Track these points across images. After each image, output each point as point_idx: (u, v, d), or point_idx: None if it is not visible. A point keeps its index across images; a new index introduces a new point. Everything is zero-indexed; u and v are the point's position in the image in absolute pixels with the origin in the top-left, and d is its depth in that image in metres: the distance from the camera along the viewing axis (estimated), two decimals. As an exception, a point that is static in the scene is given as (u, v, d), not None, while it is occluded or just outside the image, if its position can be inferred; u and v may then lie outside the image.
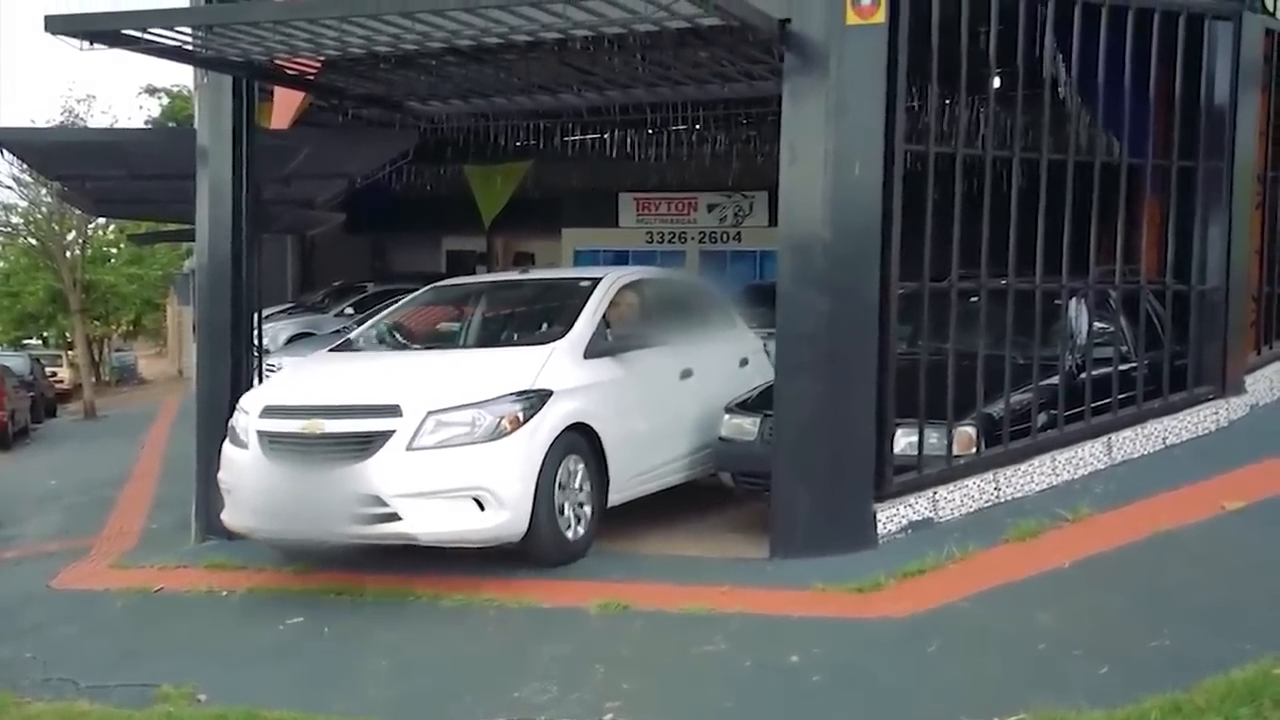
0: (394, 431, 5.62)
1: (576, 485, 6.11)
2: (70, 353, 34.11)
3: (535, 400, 5.88)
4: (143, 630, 5.90)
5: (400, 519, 5.57)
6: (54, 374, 30.15)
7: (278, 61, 7.50)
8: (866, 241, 5.94)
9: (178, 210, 10.61)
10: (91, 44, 6.38)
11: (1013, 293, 6.45)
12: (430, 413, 5.67)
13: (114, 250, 34.25)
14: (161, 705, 4.72)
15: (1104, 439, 6.64)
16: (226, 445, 6.24)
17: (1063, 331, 6.80)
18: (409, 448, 5.61)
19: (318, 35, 6.52)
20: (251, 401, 6.25)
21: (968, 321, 6.38)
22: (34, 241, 26.33)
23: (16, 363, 24.21)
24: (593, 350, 6.41)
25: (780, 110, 6.13)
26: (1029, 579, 5.25)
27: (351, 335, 7.49)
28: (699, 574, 5.85)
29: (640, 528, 6.64)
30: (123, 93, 56.29)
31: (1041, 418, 6.49)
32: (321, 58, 7.47)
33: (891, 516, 6.01)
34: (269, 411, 6.04)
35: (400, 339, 7.30)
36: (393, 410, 5.71)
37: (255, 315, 8.14)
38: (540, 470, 5.78)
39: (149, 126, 26.81)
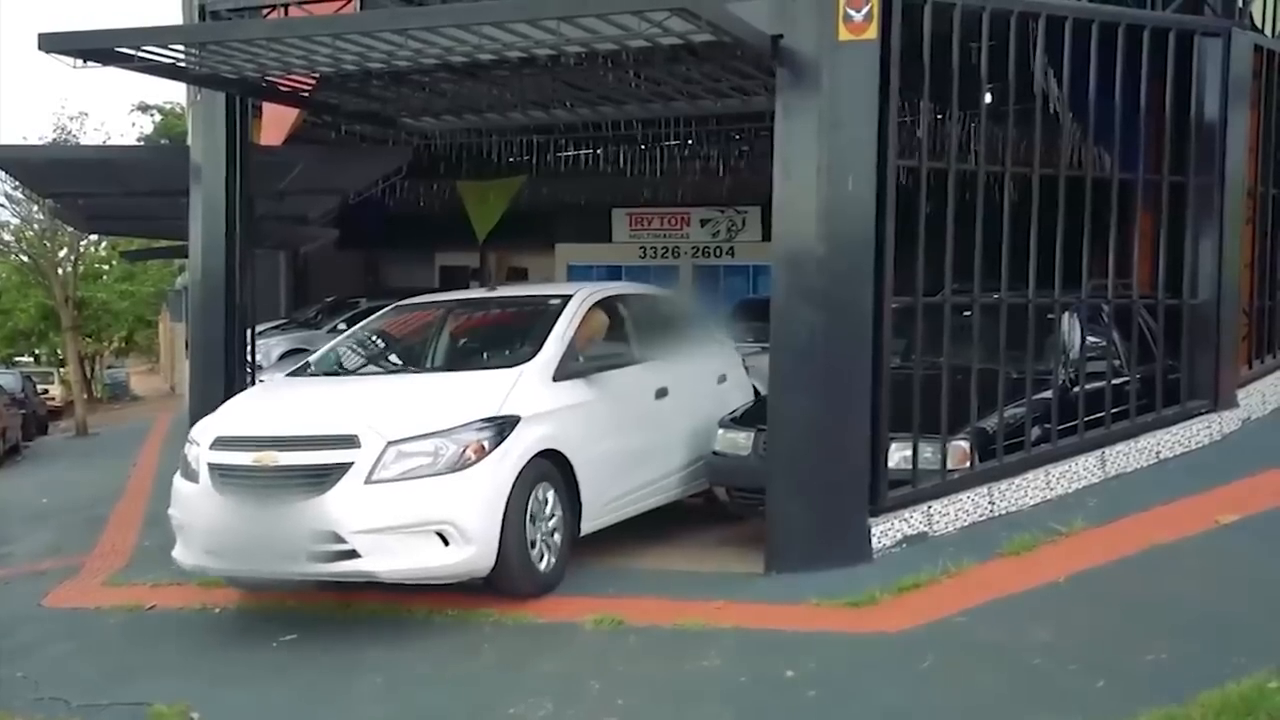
0: (352, 464, 5.36)
1: (547, 514, 5.86)
2: (62, 370, 34.03)
3: (502, 427, 5.61)
4: (135, 648, 5.86)
5: (359, 556, 5.32)
6: (46, 391, 30.06)
7: (271, 78, 7.51)
8: (860, 256, 5.95)
9: (170, 227, 10.64)
10: (85, 62, 6.40)
11: (1006, 307, 6.47)
12: (390, 443, 5.40)
13: (106, 267, 34.23)
14: (154, 724, 4.69)
15: (1097, 453, 6.65)
16: (177, 478, 5.96)
17: (1056, 346, 6.81)
18: (368, 480, 5.35)
19: (311, 52, 6.54)
20: (202, 431, 5.93)
21: (961, 336, 6.38)
22: (26, 258, 26.26)
23: (8, 380, 24.12)
24: (562, 372, 6.15)
25: (773, 125, 6.15)
26: (1024, 593, 5.25)
27: (311, 359, 7.14)
28: (694, 589, 5.84)
29: (635, 543, 6.63)
30: (115, 110, 56.41)
31: (1035, 432, 6.50)
32: (315, 74, 7.48)
33: (886, 531, 6.01)
34: (220, 443, 5.75)
35: (361, 362, 7.02)
36: (350, 441, 5.43)
37: (248, 331, 8.14)
38: (508, 501, 5.52)
39: (142, 143, 26.85)
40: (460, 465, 5.43)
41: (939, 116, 7.01)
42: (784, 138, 6.05)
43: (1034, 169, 6.57)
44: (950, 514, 6.16)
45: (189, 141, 8.37)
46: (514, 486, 5.56)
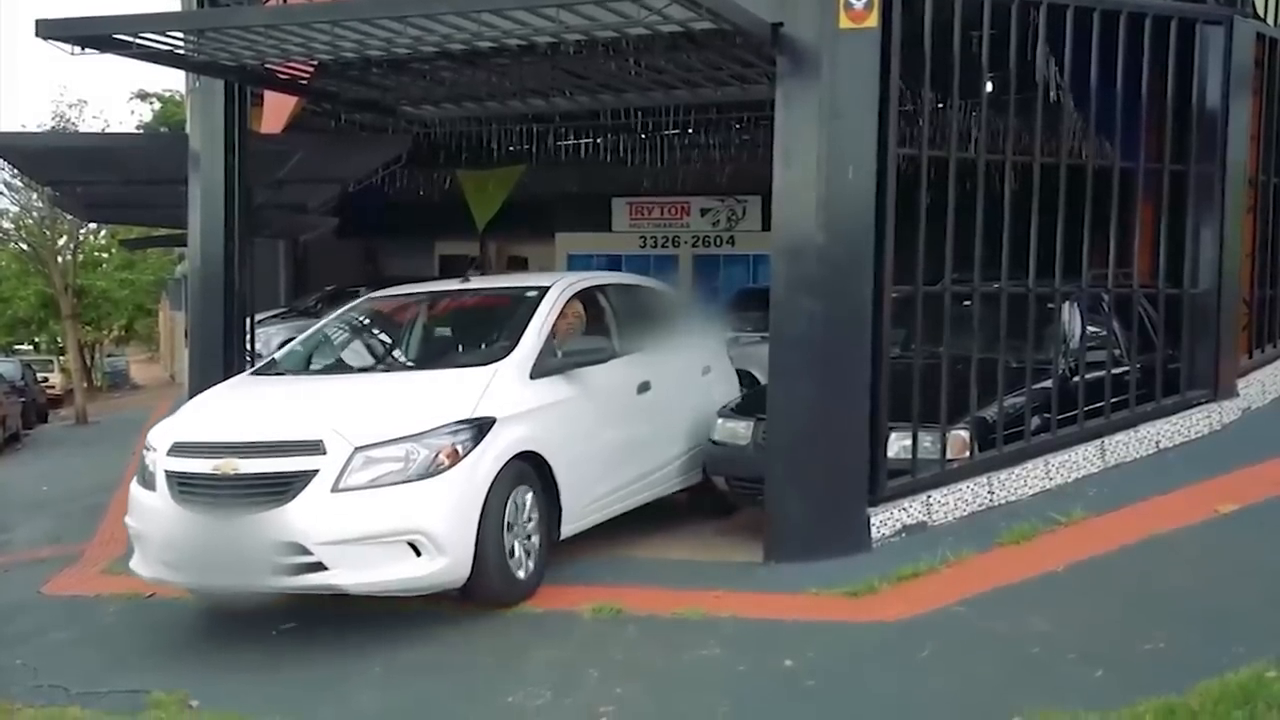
0: (317, 471, 5.09)
1: (525, 519, 5.62)
2: (62, 358, 34.03)
3: (476, 430, 5.36)
4: (134, 636, 5.87)
5: (326, 569, 5.06)
6: (45, 380, 30.07)
7: (270, 66, 7.49)
8: (860, 245, 5.94)
9: (170, 215, 10.61)
10: (83, 49, 6.38)
11: (1006, 296, 6.46)
12: (358, 449, 5.14)
13: (106, 255, 34.18)
14: (153, 712, 4.69)
15: (1097, 442, 6.65)
16: (134, 485, 5.69)
17: (1056, 335, 6.80)
18: (334, 489, 5.08)
19: (310, 39, 6.52)
20: (159, 436, 5.61)
21: (961, 325, 6.37)
22: (25, 247, 26.25)
23: (8, 368, 24.15)
24: (540, 369, 5.91)
25: (773, 114, 6.13)
26: (1023, 582, 5.25)
27: (276, 355, 6.83)
28: (692, 578, 5.84)
29: (633, 532, 6.62)
30: (114, 98, 56.26)
31: (1035, 421, 6.49)
32: (314, 62, 7.46)
33: (885, 520, 6.01)
34: (177, 449, 5.44)
35: (329, 359, 6.69)
36: (315, 447, 5.16)
37: (247, 320, 8.13)
38: (483, 508, 5.28)
39: (141, 131, 26.81)
40: (433, 471, 5.19)
41: (940, 105, 6.97)
42: (784, 126, 6.03)
43: (1035, 158, 6.54)
44: (950, 503, 6.16)
45: (188, 129, 8.33)
46: (490, 492, 5.33)
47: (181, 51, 6.86)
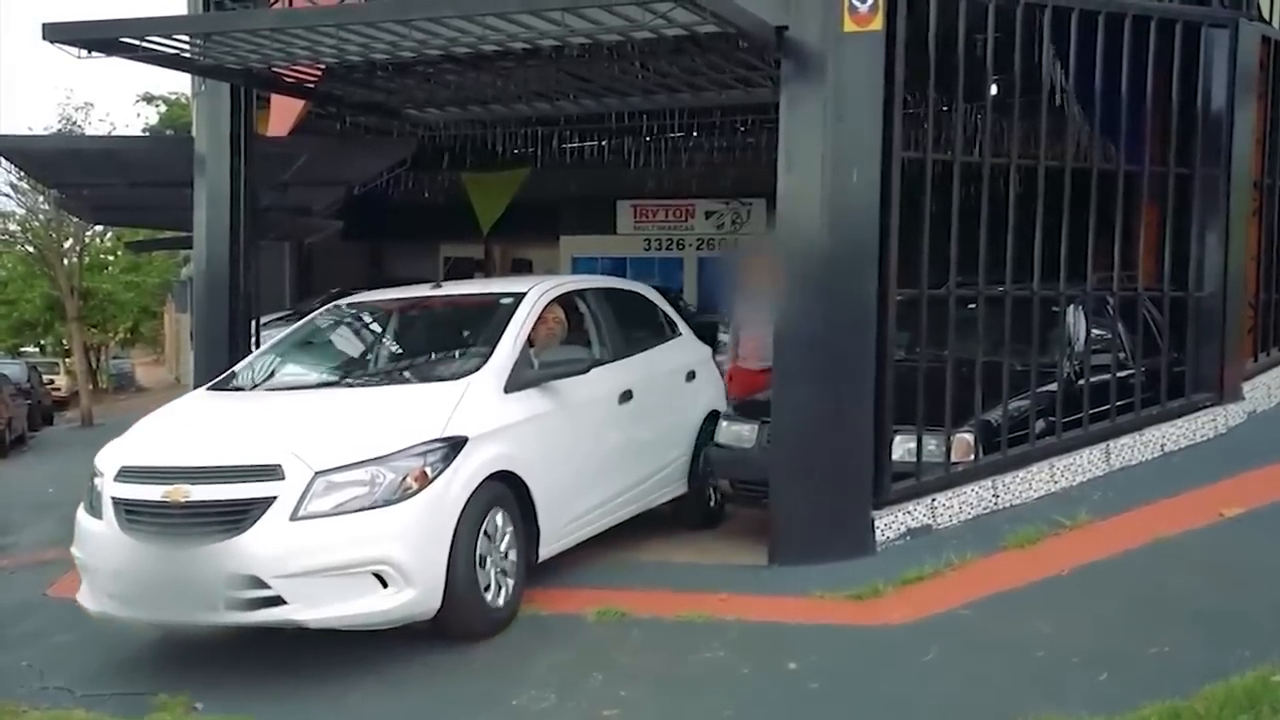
0: (275, 498, 4.76)
1: (499, 544, 5.29)
2: (67, 360, 34.12)
3: (447, 450, 5.04)
4: (139, 639, 5.87)
5: (284, 603, 4.74)
6: (51, 382, 30.18)
7: (276, 69, 7.51)
8: (864, 248, 5.94)
9: (175, 218, 10.61)
10: (90, 52, 6.40)
11: (1010, 299, 6.45)
12: (319, 473, 4.80)
13: (111, 258, 34.26)
14: (158, 715, 4.70)
15: (1102, 446, 6.64)
16: (80, 511, 5.34)
17: (1060, 338, 6.80)
18: (294, 516, 4.75)
19: (315, 43, 6.53)
20: (107, 459, 5.28)
21: (966, 328, 6.37)
22: (31, 249, 26.32)
23: (14, 370, 24.24)
24: (516, 382, 5.59)
25: (778, 117, 6.14)
26: (1027, 586, 5.24)
27: (236, 368, 6.41)
28: (697, 581, 5.84)
29: (637, 535, 6.63)
30: (120, 100, 56.41)
31: (1040, 424, 6.49)
32: (320, 65, 7.47)
33: (890, 523, 6.00)
34: (125, 474, 5.10)
35: (291, 373, 6.27)
36: (272, 472, 4.82)
37: (252, 322, 8.15)
38: (455, 534, 4.96)
39: (146, 134, 26.84)
40: (400, 496, 4.86)
41: (944, 108, 6.98)
42: (788, 129, 6.04)
43: (1039, 161, 6.54)
44: (954, 507, 6.15)
45: (193, 132, 8.34)
46: (461, 517, 5.01)
47: (188, 55, 6.88)
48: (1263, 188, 7.65)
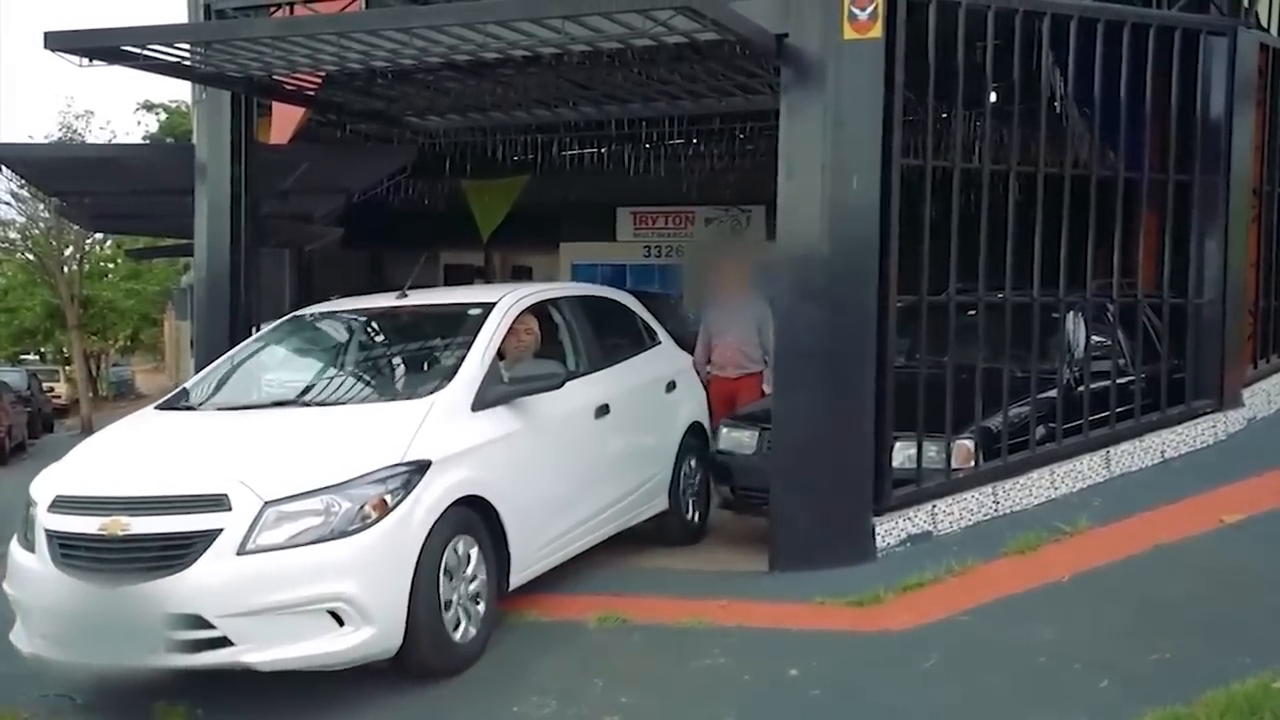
0: (220, 530, 4.40)
1: (467, 574, 4.95)
2: (67, 368, 34.18)
3: (409, 476, 4.69)
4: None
5: (231, 644, 4.39)
6: (51, 389, 30.20)
7: (276, 77, 7.52)
8: (864, 255, 5.95)
9: (176, 225, 10.65)
10: (91, 60, 6.41)
11: (1010, 306, 6.46)
12: (268, 503, 4.45)
13: (111, 265, 34.33)
14: (159, 721, 4.71)
15: (1102, 452, 6.64)
16: (13, 545, 4.93)
17: (1060, 345, 6.80)
18: (241, 550, 4.39)
19: (316, 51, 6.55)
20: (41, 488, 4.89)
21: (966, 335, 6.38)
22: (32, 257, 26.40)
23: (14, 378, 24.26)
24: (484, 399, 5.25)
25: (777, 124, 6.15)
26: (1028, 592, 5.24)
27: (188, 384, 6.04)
28: (698, 587, 5.84)
29: (638, 542, 6.63)
30: (121, 108, 56.50)
31: (1040, 431, 6.49)
32: (320, 73, 7.49)
33: (890, 530, 6.01)
34: (60, 504, 4.72)
35: (244, 391, 5.87)
36: (218, 502, 4.45)
37: (253, 329, 8.14)
38: (417, 566, 4.62)
39: (147, 142, 26.90)
40: (357, 527, 4.50)
41: (944, 115, 6.99)
42: (788, 136, 6.06)
43: (1039, 167, 6.55)
44: (954, 513, 6.16)
45: (194, 140, 8.36)
46: (424, 547, 4.66)
47: (189, 63, 6.90)
48: (1262, 194, 7.66)
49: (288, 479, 4.57)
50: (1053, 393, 6.56)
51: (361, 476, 4.61)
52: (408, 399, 5.30)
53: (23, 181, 18.68)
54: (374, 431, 4.96)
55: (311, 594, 4.44)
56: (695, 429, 7.03)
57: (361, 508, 4.54)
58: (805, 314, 6.02)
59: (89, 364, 33.79)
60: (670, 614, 5.41)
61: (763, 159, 12.43)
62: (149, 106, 30.45)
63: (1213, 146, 7.02)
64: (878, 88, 5.90)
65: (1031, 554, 5.66)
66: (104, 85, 57.62)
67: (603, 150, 14.64)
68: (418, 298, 6.50)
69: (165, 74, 7.08)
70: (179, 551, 4.43)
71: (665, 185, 15.61)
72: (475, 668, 4.98)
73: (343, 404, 5.60)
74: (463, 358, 5.39)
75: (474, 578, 5.02)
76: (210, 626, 4.39)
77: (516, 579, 5.31)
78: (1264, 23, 7.68)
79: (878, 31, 5.86)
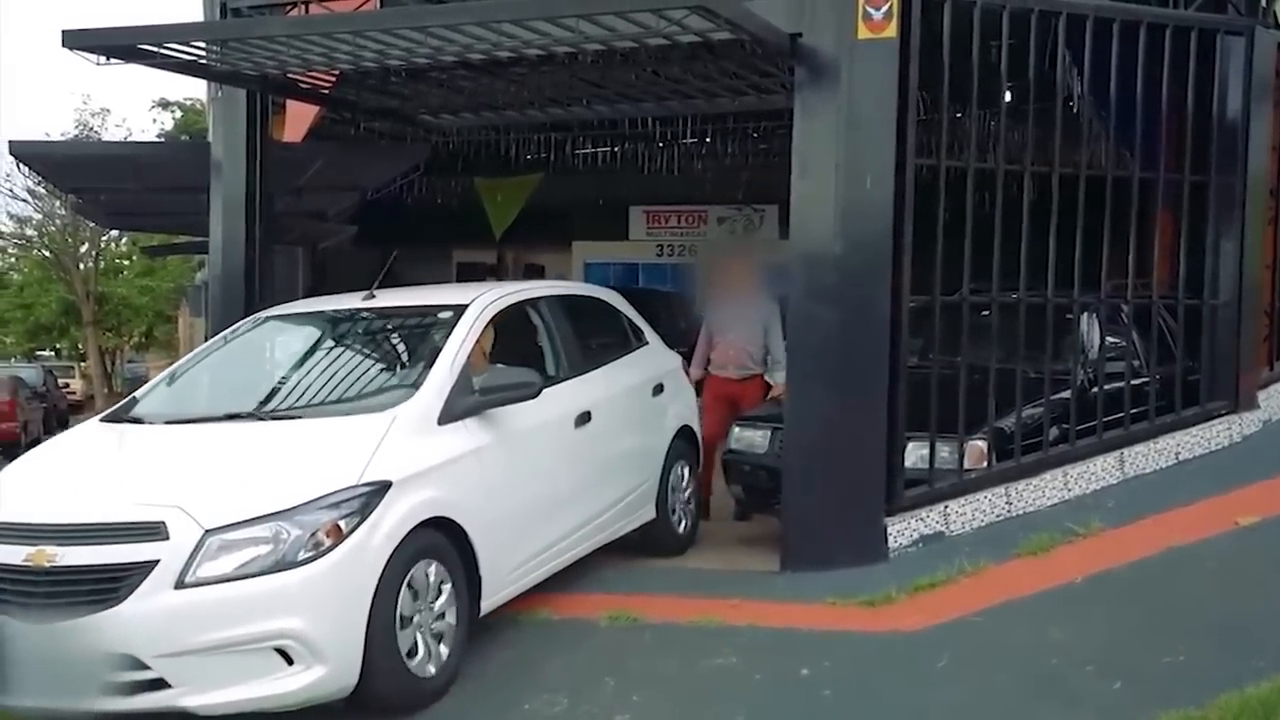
0: (157, 561, 4.02)
1: (432, 602, 4.56)
2: (83, 364, 34.36)
3: (367, 499, 4.29)
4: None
5: (168, 686, 4.02)
6: (66, 385, 30.37)
7: (291, 75, 7.55)
8: (878, 255, 5.94)
9: (191, 223, 10.70)
10: (108, 59, 6.44)
11: (1024, 306, 6.44)
12: (209, 531, 4.06)
13: (126, 262, 34.49)
14: None
15: (1116, 454, 6.62)
16: None
17: (1074, 345, 6.78)
18: (180, 584, 4.01)
19: (332, 49, 6.56)
20: None
21: (979, 335, 6.36)
22: (48, 254, 26.55)
23: (29, 374, 24.40)
24: (452, 412, 4.85)
25: (791, 124, 6.15)
26: (1040, 593, 5.23)
27: (138, 393, 5.62)
28: (709, 587, 5.84)
29: (641, 541, 6.62)
30: (136, 106, 56.74)
31: (1053, 432, 6.47)
32: (335, 71, 7.51)
33: (902, 530, 5.99)
34: None
35: (195, 401, 5.50)
36: (154, 530, 4.07)
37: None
38: (375, 596, 4.23)
39: (162, 140, 27.02)
40: (309, 556, 4.12)
41: (958, 115, 6.97)
42: (802, 136, 6.05)
43: (1054, 168, 6.53)
44: (967, 514, 6.14)
45: (209, 138, 8.40)
46: (383, 576, 4.27)
47: (204, 61, 6.93)
48: (1279, 195, 7.62)
49: (231, 504, 4.19)
50: (1067, 394, 6.54)
51: (313, 501, 4.22)
52: (368, 412, 4.84)
53: (39, 178, 18.76)
54: (329, 449, 4.57)
55: (257, 631, 4.06)
56: (684, 433, 6.73)
57: (313, 535, 4.16)
58: (818, 314, 6.01)
59: (104, 360, 33.94)
60: (682, 613, 5.41)
61: (776, 158, 12.44)
62: (164, 104, 30.58)
63: (1229, 147, 6.99)
64: (892, 87, 5.89)
65: (1044, 555, 5.65)
66: (120, 83, 57.93)
67: (616, 149, 14.66)
68: (385, 299, 5.96)
69: (181, 72, 7.11)
70: (111, 585, 4.05)
71: (678, 184, 15.62)
72: (485, 665, 4.99)
73: (298, 418, 5.10)
74: (429, 367, 5.00)
75: (441, 605, 4.63)
76: (145, 667, 4.02)
77: (488, 603, 4.95)
78: (1282, 22, 7.64)
79: (892, 31, 5.84)
